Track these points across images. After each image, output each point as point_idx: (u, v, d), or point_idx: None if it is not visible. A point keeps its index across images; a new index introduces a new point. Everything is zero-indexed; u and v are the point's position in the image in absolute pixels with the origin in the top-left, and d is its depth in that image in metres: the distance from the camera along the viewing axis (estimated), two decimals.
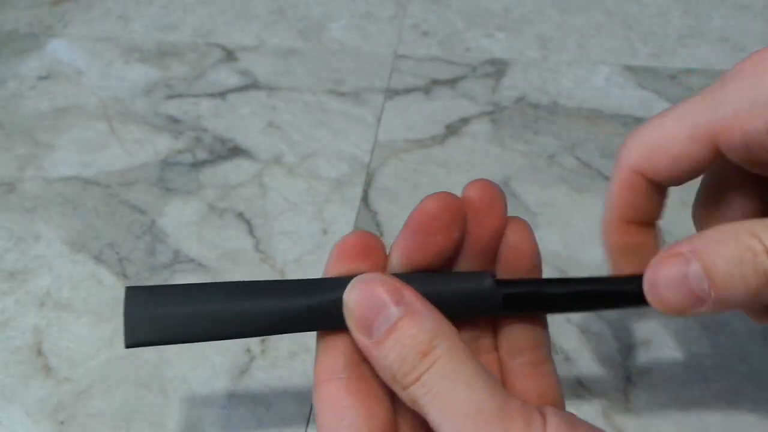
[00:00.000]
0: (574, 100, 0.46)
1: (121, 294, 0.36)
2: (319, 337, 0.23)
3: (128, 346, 0.20)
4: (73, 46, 0.53)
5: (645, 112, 0.45)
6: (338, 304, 0.21)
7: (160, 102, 0.48)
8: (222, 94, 0.48)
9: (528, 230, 0.24)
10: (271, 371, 0.33)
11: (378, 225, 0.39)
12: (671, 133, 0.23)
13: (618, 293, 0.23)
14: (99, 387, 0.33)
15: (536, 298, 0.23)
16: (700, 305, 0.21)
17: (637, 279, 0.22)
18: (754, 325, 0.34)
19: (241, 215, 0.40)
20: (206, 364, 0.33)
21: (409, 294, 0.21)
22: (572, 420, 0.20)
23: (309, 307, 0.21)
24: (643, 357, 0.33)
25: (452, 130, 0.45)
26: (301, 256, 0.38)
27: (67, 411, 0.32)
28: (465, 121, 0.45)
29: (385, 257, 0.23)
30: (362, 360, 0.22)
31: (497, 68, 0.49)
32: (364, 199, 0.41)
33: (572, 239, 0.38)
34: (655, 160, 0.23)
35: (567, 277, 0.25)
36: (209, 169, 0.43)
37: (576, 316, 0.34)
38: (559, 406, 0.26)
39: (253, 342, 0.34)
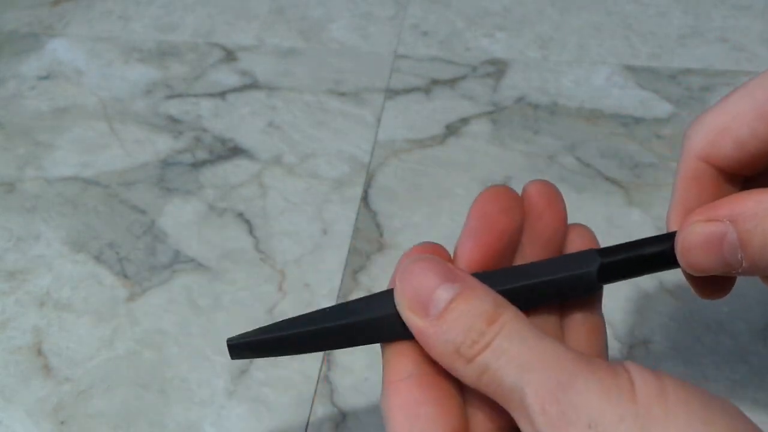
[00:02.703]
0: (574, 100, 0.46)
1: (121, 294, 0.36)
2: (384, 347, 0.22)
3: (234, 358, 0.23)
4: (73, 46, 0.53)
5: (645, 112, 0.45)
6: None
7: (160, 102, 0.48)
8: (222, 94, 0.48)
9: (591, 235, 0.23)
10: (271, 371, 0.33)
11: (378, 225, 0.39)
12: (736, 113, 0.21)
13: (656, 254, 0.22)
14: (99, 387, 0.33)
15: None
16: (729, 271, 0.21)
17: (671, 237, 0.21)
18: (754, 325, 0.34)
19: (241, 215, 0.40)
20: (206, 364, 0.33)
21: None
22: (658, 375, 0.19)
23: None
24: (643, 357, 0.33)
25: (452, 130, 0.45)
26: (301, 256, 0.38)
27: (67, 411, 0.32)
28: (465, 121, 0.45)
29: (451, 261, 0.23)
30: (430, 361, 0.21)
31: (497, 68, 0.49)
32: (364, 199, 0.41)
33: None
34: (720, 143, 0.21)
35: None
36: (209, 169, 0.43)
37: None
38: None
39: None
